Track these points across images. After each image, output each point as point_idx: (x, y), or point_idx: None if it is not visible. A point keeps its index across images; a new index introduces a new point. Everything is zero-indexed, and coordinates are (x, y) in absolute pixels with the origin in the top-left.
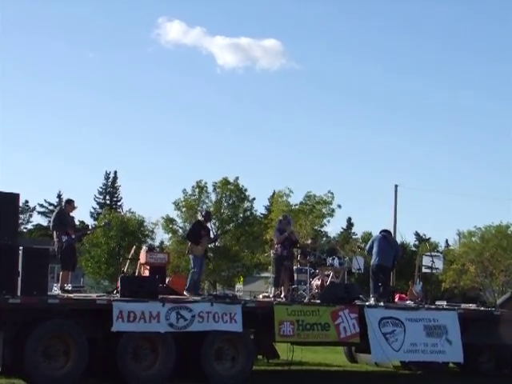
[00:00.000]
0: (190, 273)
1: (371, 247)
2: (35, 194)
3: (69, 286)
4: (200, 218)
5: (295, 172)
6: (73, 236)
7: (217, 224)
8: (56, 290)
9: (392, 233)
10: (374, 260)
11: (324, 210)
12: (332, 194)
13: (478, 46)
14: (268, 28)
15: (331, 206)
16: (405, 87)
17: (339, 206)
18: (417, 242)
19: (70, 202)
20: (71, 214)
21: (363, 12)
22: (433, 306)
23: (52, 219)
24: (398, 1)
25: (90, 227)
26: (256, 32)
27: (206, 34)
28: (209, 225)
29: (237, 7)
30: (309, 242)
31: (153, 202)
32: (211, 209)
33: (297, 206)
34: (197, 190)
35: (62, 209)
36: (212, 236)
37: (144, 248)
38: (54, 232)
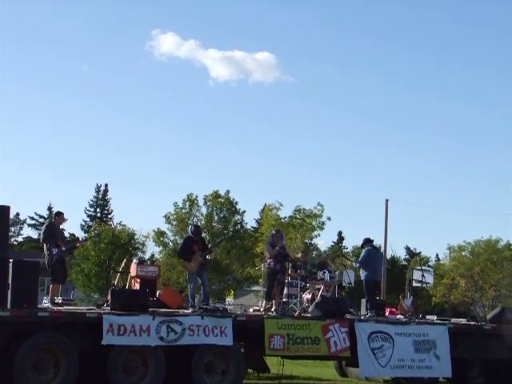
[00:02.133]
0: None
1: (367, 261)
2: (26, 207)
3: (59, 299)
4: (190, 233)
5: (287, 185)
6: (63, 248)
7: (208, 237)
8: (46, 302)
9: (382, 247)
10: (370, 274)
11: (314, 223)
12: (322, 206)
13: (476, 59)
14: (261, 41)
15: (321, 219)
16: (398, 101)
17: (329, 219)
18: (407, 257)
19: (59, 215)
20: (61, 226)
21: (357, 25)
22: (423, 321)
23: (42, 232)
24: (394, 14)
25: (80, 239)
26: (249, 45)
27: (199, 46)
28: (203, 236)
29: (230, 20)
30: (299, 255)
31: (144, 215)
32: (202, 222)
33: (286, 219)
34: (187, 203)
35: (51, 221)
36: (208, 247)
37: (135, 261)
38: (45, 244)
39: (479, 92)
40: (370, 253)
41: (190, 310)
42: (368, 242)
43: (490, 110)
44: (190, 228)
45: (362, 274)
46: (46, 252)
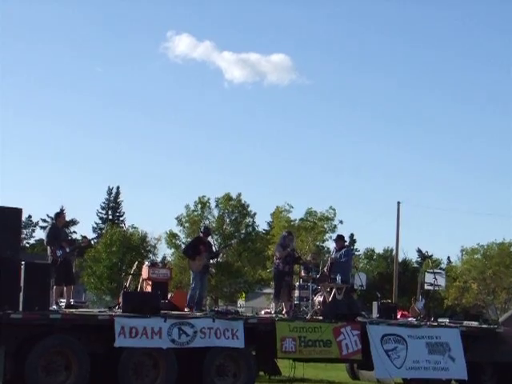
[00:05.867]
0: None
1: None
2: (38, 209)
3: (61, 302)
4: (200, 233)
5: (299, 188)
6: (67, 249)
7: (219, 240)
8: (61, 304)
9: (394, 249)
10: (349, 276)
11: (326, 226)
12: (334, 209)
13: (490, 61)
14: (276, 43)
15: (333, 222)
16: (412, 103)
17: (341, 222)
18: (419, 259)
19: (60, 215)
20: (72, 228)
21: (373, 27)
22: (435, 323)
23: (46, 234)
24: (409, 16)
25: (85, 238)
26: (264, 47)
27: (214, 48)
28: (211, 240)
29: (245, 22)
30: (309, 257)
31: (155, 218)
32: (214, 224)
33: (296, 222)
34: (199, 205)
35: (54, 223)
36: (214, 251)
37: (146, 263)
38: (48, 247)
39: (497, 94)
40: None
41: (186, 310)
42: (344, 239)
43: (506, 112)
44: (200, 228)
45: (341, 275)
46: (49, 254)
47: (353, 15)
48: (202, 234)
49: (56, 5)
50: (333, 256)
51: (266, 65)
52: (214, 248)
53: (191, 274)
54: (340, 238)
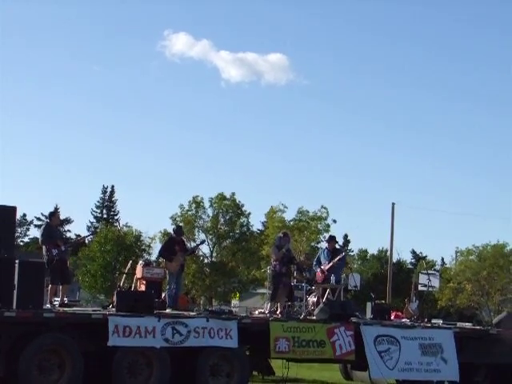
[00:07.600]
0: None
1: None
2: (32, 208)
3: (55, 301)
4: (172, 233)
5: (295, 188)
6: (62, 248)
7: (213, 240)
8: (55, 303)
9: (388, 250)
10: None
11: (319, 226)
12: (326, 209)
13: (488, 63)
14: (274, 43)
15: (326, 222)
16: (408, 103)
17: (334, 221)
18: (413, 260)
19: (54, 214)
20: (66, 227)
21: (371, 27)
22: (428, 325)
23: (40, 234)
24: (408, 17)
25: (79, 236)
26: (261, 47)
27: (211, 47)
28: (183, 239)
29: (242, 21)
30: (302, 258)
31: (150, 217)
32: (208, 224)
33: (291, 222)
34: (193, 205)
35: (48, 223)
36: (189, 248)
37: (140, 263)
38: (44, 246)
39: (494, 96)
40: None
41: (168, 311)
42: (336, 240)
43: (501, 113)
44: (173, 228)
45: (335, 276)
46: (45, 253)
47: (350, 15)
48: (174, 234)
49: (55, 5)
50: (326, 259)
51: (263, 64)
52: (188, 245)
53: (167, 275)
54: (332, 239)
